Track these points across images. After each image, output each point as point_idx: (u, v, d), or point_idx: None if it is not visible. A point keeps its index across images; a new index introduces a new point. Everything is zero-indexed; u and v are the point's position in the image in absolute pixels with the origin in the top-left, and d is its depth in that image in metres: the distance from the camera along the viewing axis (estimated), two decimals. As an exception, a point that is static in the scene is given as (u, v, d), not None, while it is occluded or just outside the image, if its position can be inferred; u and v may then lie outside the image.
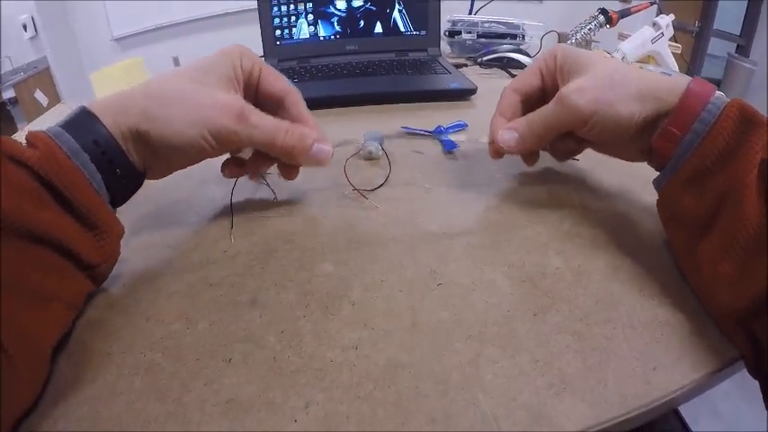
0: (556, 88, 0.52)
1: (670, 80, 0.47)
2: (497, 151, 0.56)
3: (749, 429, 1.60)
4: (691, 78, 0.46)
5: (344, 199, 0.59)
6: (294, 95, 0.53)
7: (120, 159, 0.44)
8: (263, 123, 0.49)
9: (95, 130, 0.43)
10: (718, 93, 0.45)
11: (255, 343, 0.40)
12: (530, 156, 0.58)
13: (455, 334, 0.40)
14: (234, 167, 0.55)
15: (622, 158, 0.54)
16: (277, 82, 0.53)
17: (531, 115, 0.53)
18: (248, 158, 0.56)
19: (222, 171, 0.55)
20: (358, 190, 0.59)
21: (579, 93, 0.48)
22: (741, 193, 0.39)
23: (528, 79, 0.56)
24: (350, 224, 0.54)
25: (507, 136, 0.54)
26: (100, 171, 0.42)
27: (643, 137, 0.49)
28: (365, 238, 0.52)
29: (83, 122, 0.43)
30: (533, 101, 0.56)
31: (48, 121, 1.10)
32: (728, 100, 0.44)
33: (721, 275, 0.39)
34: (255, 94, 0.53)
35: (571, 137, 0.54)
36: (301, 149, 0.51)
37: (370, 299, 0.44)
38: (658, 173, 0.48)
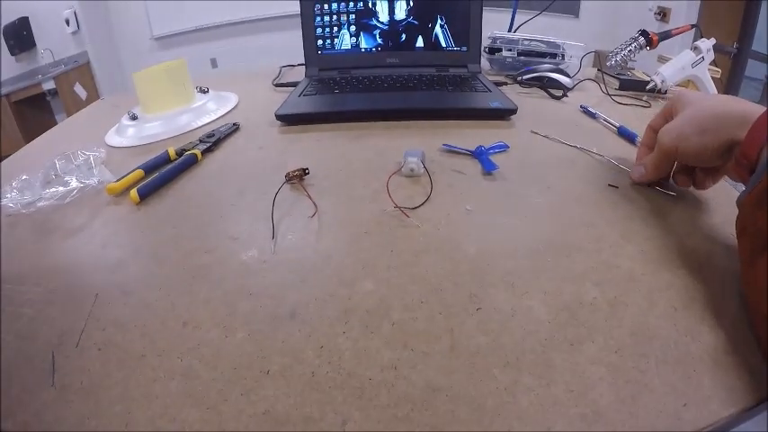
0: None
1: (743, 112, 0.52)
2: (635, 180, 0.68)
3: (749, 427, 1.56)
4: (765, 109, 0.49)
5: (386, 216, 0.59)
6: None
7: None
8: None
9: None
10: None
11: (294, 356, 0.40)
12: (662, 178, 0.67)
13: (493, 360, 0.40)
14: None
15: (730, 177, 0.63)
16: None
17: (652, 153, 0.64)
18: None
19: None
20: (400, 208, 0.59)
21: (666, 132, 0.60)
22: None
23: (657, 118, 0.67)
24: (391, 242, 0.55)
25: (636, 172, 0.67)
26: None
27: (729, 160, 0.55)
28: (406, 258, 0.52)
29: None
30: None
31: (85, 117, 1.12)
32: None
33: None
34: None
35: (684, 170, 0.64)
36: None
37: (410, 319, 0.44)
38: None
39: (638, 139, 0.86)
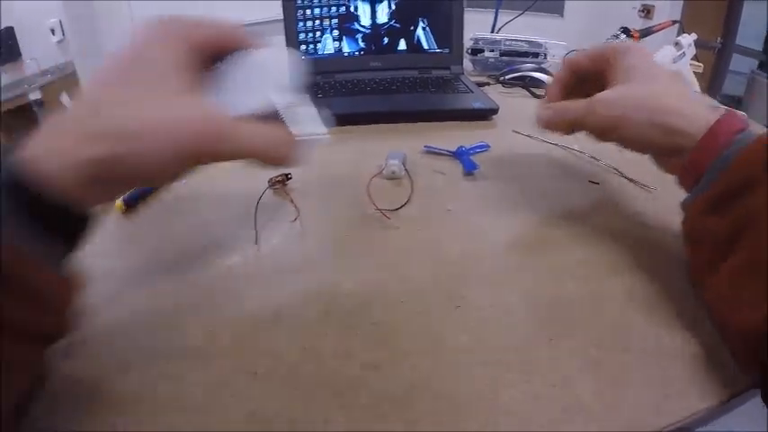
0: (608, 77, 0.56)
1: (697, 118, 0.48)
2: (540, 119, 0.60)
3: (749, 427, 1.57)
4: (723, 113, 0.47)
5: (367, 218, 0.60)
6: (238, 35, 0.44)
7: (67, 213, 0.36)
8: (244, 136, 0.40)
9: (24, 191, 0.33)
10: (748, 129, 0.46)
11: (278, 358, 0.41)
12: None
13: (473, 357, 0.41)
14: None
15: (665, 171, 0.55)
16: (231, 42, 0.44)
17: (568, 104, 0.57)
18: None
19: None
20: (380, 210, 0.59)
21: (605, 105, 0.52)
22: (764, 217, 0.39)
23: (584, 59, 0.60)
24: (372, 244, 0.55)
25: (543, 113, 0.59)
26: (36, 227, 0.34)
27: (669, 159, 0.52)
28: (387, 259, 0.53)
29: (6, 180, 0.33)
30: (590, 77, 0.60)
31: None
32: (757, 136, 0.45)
33: (742, 299, 0.39)
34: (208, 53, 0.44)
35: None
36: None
37: (391, 319, 0.45)
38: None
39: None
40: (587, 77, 0.59)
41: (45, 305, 0.34)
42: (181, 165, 0.39)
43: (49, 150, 0.35)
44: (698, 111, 0.48)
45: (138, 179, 0.40)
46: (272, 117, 0.42)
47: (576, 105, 0.55)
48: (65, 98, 3.60)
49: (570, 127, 0.57)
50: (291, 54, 0.44)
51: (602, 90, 0.55)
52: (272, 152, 0.42)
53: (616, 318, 0.45)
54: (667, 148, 0.50)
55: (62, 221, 0.36)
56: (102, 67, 0.40)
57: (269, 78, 0.43)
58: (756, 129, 0.46)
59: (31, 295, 0.33)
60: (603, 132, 0.54)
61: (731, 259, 0.41)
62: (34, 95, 3.58)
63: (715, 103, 0.97)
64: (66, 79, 3.76)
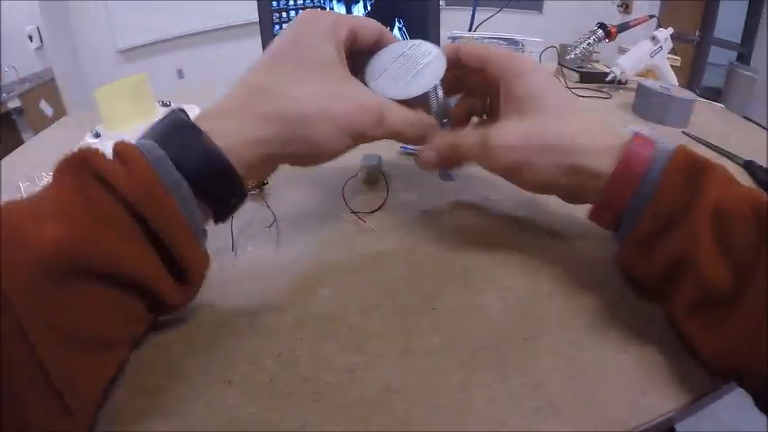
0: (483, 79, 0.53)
1: (606, 154, 0.44)
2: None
3: (749, 427, 1.59)
4: (629, 142, 0.44)
5: (342, 222, 0.59)
6: (387, 35, 0.52)
7: (237, 189, 0.41)
8: (397, 119, 0.47)
9: (210, 161, 0.38)
10: (659, 149, 0.43)
11: (254, 365, 0.41)
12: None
13: (447, 358, 0.41)
14: None
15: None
16: (374, 36, 0.51)
17: (457, 141, 0.50)
18: None
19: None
20: (356, 213, 0.60)
21: (504, 150, 0.47)
22: (696, 252, 0.38)
23: (468, 55, 0.52)
24: (348, 247, 0.55)
25: (426, 156, 0.51)
26: (202, 199, 0.39)
27: (575, 198, 0.49)
28: (362, 262, 0.52)
29: (193, 148, 0.38)
30: None
31: (49, 137, 1.10)
32: (672, 149, 0.42)
33: (696, 334, 0.39)
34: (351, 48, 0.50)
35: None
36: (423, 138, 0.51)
37: (366, 323, 0.44)
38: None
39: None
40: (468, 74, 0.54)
41: (185, 276, 0.39)
42: (343, 145, 0.45)
43: (224, 128, 0.40)
44: (607, 144, 0.45)
45: (302, 158, 0.45)
46: (420, 101, 0.50)
47: (468, 144, 0.49)
48: (44, 105, 3.58)
49: (461, 165, 0.54)
50: (432, 47, 0.51)
51: (490, 100, 0.55)
52: (417, 134, 0.49)
53: (592, 315, 0.45)
54: (574, 189, 0.47)
55: (223, 196, 0.41)
56: (265, 53, 0.45)
57: (417, 68, 0.50)
58: (665, 144, 0.44)
59: (179, 266, 0.38)
60: (501, 175, 0.50)
61: (675, 299, 0.41)
62: (13, 103, 3.54)
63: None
64: (44, 86, 3.73)
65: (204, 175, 0.38)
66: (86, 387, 0.33)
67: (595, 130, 0.46)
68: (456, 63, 0.52)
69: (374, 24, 0.51)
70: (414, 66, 0.50)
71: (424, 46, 0.51)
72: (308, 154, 0.44)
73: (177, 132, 0.38)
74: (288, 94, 0.42)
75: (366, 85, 0.49)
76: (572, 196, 0.49)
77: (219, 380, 0.39)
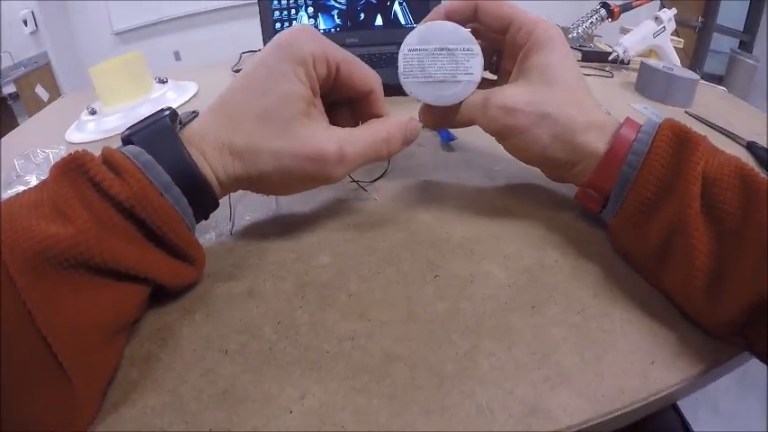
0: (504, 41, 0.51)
1: (602, 133, 0.45)
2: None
3: (748, 426, 1.59)
4: (617, 125, 0.45)
5: (343, 190, 0.58)
6: (377, 92, 0.49)
7: (210, 197, 0.43)
8: (360, 151, 0.45)
9: (191, 171, 0.40)
10: (647, 123, 0.44)
11: (251, 334, 0.40)
12: None
13: (451, 326, 0.40)
14: None
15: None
16: (364, 80, 0.48)
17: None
18: None
19: None
20: (356, 182, 0.58)
21: (505, 112, 0.46)
22: (687, 224, 0.38)
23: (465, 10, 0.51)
24: (348, 215, 0.54)
25: (427, 115, 0.52)
26: (190, 203, 0.41)
27: (557, 171, 0.50)
28: (363, 230, 0.51)
29: (177, 155, 0.40)
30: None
31: (46, 117, 1.10)
32: (659, 122, 0.43)
33: (692, 305, 0.39)
34: (331, 86, 0.48)
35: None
36: (404, 145, 0.49)
37: (367, 290, 0.43)
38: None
39: (601, 108, 0.85)
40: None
41: (184, 258, 0.41)
42: (305, 186, 0.47)
43: (204, 150, 0.42)
44: (601, 123, 0.45)
45: (268, 192, 0.48)
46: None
47: (471, 103, 0.49)
48: (40, 89, 3.56)
49: (462, 125, 0.51)
50: (473, 43, 0.48)
51: (498, 59, 0.54)
52: (379, 157, 0.47)
53: (599, 285, 0.44)
54: (563, 164, 0.47)
55: (203, 202, 0.42)
56: (239, 77, 0.45)
57: (457, 70, 0.48)
58: (653, 120, 0.44)
59: (177, 252, 0.40)
60: (495, 135, 0.50)
61: (668, 272, 0.41)
62: (8, 89, 3.52)
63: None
64: (40, 71, 3.71)
65: (186, 186, 0.40)
66: (95, 373, 0.34)
67: (593, 109, 0.46)
68: (471, 18, 0.51)
69: (368, 77, 0.48)
70: (454, 67, 0.48)
71: (465, 38, 0.47)
72: (273, 190, 0.47)
73: (162, 141, 0.40)
74: (248, 144, 0.43)
75: (400, 77, 0.49)
76: (557, 171, 0.50)
77: (216, 349, 0.38)
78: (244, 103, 0.43)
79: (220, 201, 0.45)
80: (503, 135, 0.48)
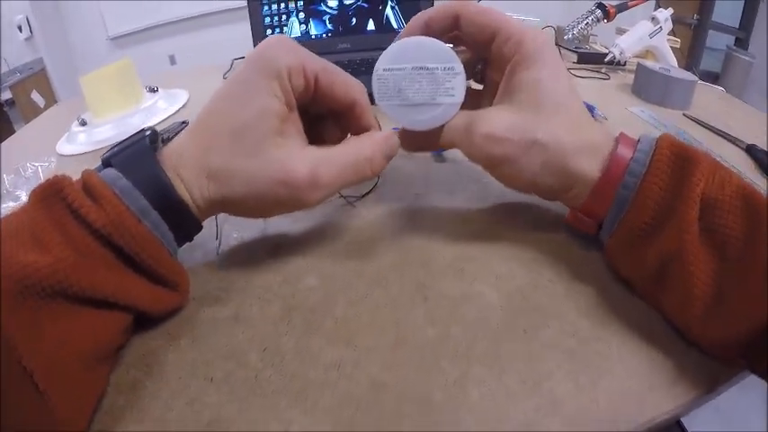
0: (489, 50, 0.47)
1: (594, 156, 0.42)
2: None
3: (748, 425, 1.59)
4: (614, 144, 0.43)
5: (332, 207, 0.57)
6: (362, 103, 0.46)
7: (190, 220, 0.42)
8: (337, 174, 0.42)
9: (169, 195, 0.39)
10: (643, 140, 0.42)
11: (237, 361, 0.39)
12: None
13: (441, 351, 0.38)
14: None
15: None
16: (346, 91, 0.45)
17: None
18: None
19: None
20: (345, 197, 0.57)
21: (492, 141, 0.43)
22: (685, 251, 0.37)
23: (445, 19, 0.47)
24: (336, 235, 0.52)
25: (406, 138, 0.47)
26: (170, 226, 0.40)
27: (560, 198, 0.47)
28: (351, 250, 0.50)
29: (155, 180, 0.39)
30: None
31: (39, 126, 1.09)
32: (656, 137, 0.41)
33: (690, 329, 0.38)
34: (311, 98, 0.45)
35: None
36: (387, 161, 0.46)
37: (354, 315, 0.42)
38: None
39: (597, 112, 0.84)
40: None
41: (166, 284, 0.40)
42: (279, 210, 0.44)
43: (182, 174, 0.41)
44: (593, 144, 0.43)
45: (247, 215, 0.46)
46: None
47: (451, 126, 0.46)
48: (36, 96, 3.55)
49: (445, 149, 0.48)
50: (456, 62, 0.44)
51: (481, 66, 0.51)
52: (362, 178, 0.44)
53: (595, 306, 0.42)
54: (555, 190, 0.45)
55: (184, 225, 0.42)
56: (215, 94, 0.43)
57: (437, 92, 0.45)
58: (649, 136, 0.43)
59: (158, 278, 0.39)
60: (480, 164, 0.47)
61: (665, 296, 0.40)
62: (4, 95, 3.51)
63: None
64: (35, 77, 3.70)
65: (162, 211, 0.39)
66: (78, 402, 0.33)
67: (586, 129, 0.44)
68: (454, 27, 0.47)
69: (353, 89, 0.46)
70: (434, 88, 0.44)
71: (446, 56, 0.44)
72: (251, 213, 0.46)
73: (140, 164, 0.40)
74: (222, 165, 0.41)
75: (372, 96, 0.46)
76: (550, 196, 0.47)
77: (201, 376, 0.38)
78: (217, 122, 0.42)
79: (208, 219, 0.44)
80: (489, 164, 0.46)
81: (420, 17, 0.47)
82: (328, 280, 0.46)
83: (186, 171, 0.41)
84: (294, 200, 0.42)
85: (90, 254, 0.35)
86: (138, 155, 0.40)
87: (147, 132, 0.41)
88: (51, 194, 0.35)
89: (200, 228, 0.44)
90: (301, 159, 0.41)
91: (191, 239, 0.44)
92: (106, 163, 0.40)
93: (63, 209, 0.35)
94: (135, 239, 0.36)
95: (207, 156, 0.41)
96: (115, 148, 0.40)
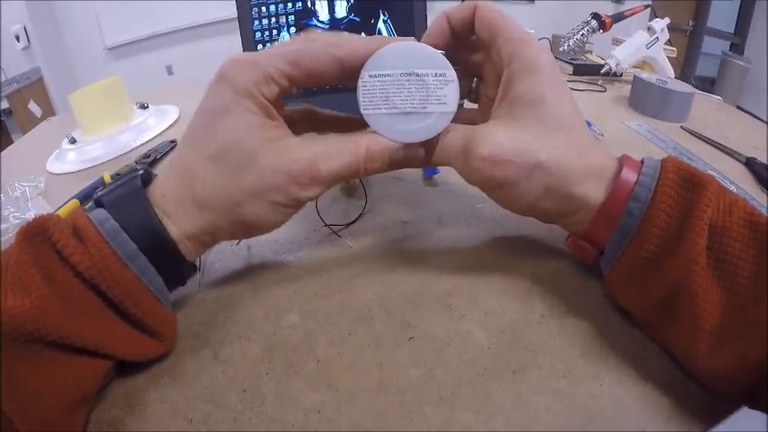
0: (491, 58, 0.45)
1: (599, 179, 0.40)
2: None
3: (748, 426, 1.56)
4: (617, 168, 0.41)
5: (316, 236, 0.56)
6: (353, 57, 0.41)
7: (181, 260, 0.41)
8: (337, 163, 0.40)
9: (158, 235, 0.39)
10: (647, 162, 0.40)
11: (216, 403, 0.37)
12: None
13: (425, 396, 0.37)
14: None
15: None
16: (329, 67, 0.40)
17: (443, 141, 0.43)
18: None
19: None
20: (329, 226, 0.55)
21: (491, 163, 0.40)
22: (693, 282, 0.35)
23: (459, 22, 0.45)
24: (320, 267, 0.51)
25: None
26: (160, 270, 0.39)
27: (559, 223, 0.45)
28: (335, 283, 0.48)
29: (145, 220, 0.38)
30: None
31: (30, 143, 1.08)
32: (660, 161, 0.40)
33: (693, 363, 0.36)
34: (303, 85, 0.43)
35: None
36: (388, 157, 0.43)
37: (336, 355, 0.41)
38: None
39: (594, 128, 0.83)
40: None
41: (151, 332, 0.39)
42: (282, 216, 0.42)
43: (170, 212, 0.40)
44: (600, 169, 0.41)
45: (244, 235, 0.45)
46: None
47: (447, 146, 0.43)
48: (33, 106, 3.54)
49: (439, 165, 0.46)
50: (448, 68, 0.41)
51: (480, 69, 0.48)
52: (353, 175, 0.42)
53: (589, 341, 0.41)
54: (555, 214, 0.43)
55: (175, 267, 0.41)
56: (189, 124, 0.42)
57: (428, 100, 0.41)
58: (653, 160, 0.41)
59: (142, 326, 0.38)
60: (478, 186, 0.44)
61: (671, 329, 0.38)
62: (2, 105, 3.51)
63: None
64: (33, 87, 3.70)
65: (153, 253, 0.38)
66: None
67: (589, 152, 0.41)
68: (471, 21, 0.45)
69: (322, 53, 0.41)
70: (424, 96, 0.41)
71: (437, 62, 0.41)
72: (248, 231, 0.43)
73: (131, 205, 0.39)
74: (211, 190, 0.40)
75: (360, 108, 0.42)
76: (549, 220, 0.45)
77: (181, 417, 0.37)
78: (195, 152, 0.40)
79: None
80: (487, 186, 0.43)
81: (441, 16, 0.46)
82: (310, 316, 0.45)
83: (171, 207, 0.40)
84: (293, 199, 0.40)
85: (74, 297, 0.34)
86: (130, 195, 0.39)
87: (140, 172, 0.41)
88: (37, 234, 0.35)
89: (195, 269, 0.44)
90: (296, 158, 0.40)
91: (184, 283, 0.43)
92: (98, 203, 0.39)
93: (48, 249, 0.34)
94: (119, 285, 0.35)
95: (192, 186, 0.40)
96: (107, 188, 0.40)
